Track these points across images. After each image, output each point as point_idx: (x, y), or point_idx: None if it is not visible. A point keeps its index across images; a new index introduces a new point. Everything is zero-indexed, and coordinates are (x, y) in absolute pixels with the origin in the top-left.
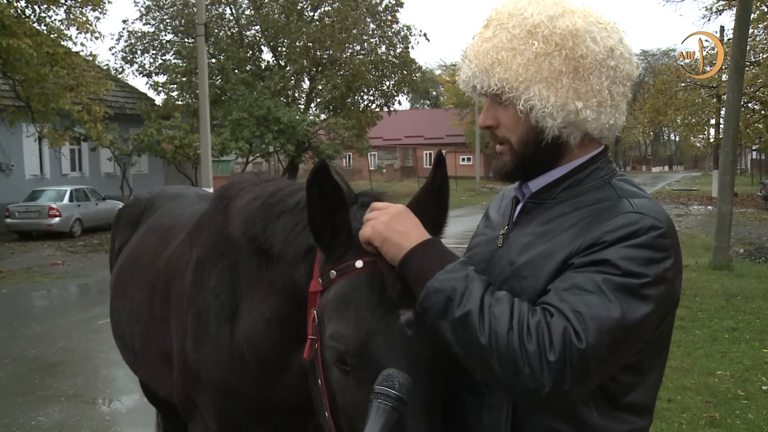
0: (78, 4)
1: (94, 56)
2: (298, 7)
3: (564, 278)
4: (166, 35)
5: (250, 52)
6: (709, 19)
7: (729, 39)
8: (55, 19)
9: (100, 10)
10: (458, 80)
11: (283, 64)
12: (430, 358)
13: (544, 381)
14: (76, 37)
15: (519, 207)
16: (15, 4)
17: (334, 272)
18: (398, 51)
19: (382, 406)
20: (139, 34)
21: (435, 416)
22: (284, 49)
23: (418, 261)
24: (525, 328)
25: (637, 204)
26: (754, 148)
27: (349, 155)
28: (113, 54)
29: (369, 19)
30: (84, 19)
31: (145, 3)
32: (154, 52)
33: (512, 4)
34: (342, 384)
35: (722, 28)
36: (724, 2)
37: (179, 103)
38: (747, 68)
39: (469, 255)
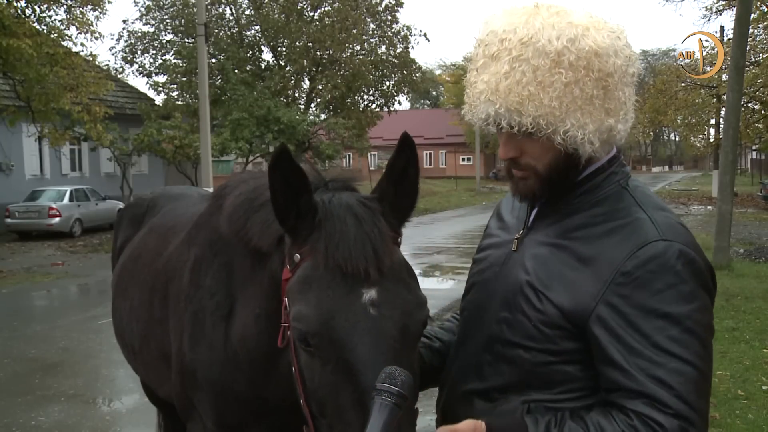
0: (78, 4)
1: (94, 56)
2: (298, 7)
3: (630, 350)
4: (166, 35)
5: (250, 52)
6: (709, 19)
7: (729, 39)
8: (55, 19)
9: (100, 10)
10: (470, 118)
11: (283, 64)
12: (396, 337)
13: None
14: (76, 37)
15: (534, 212)
16: (15, 4)
17: (299, 255)
18: (398, 51)
19: (384, 402)
20: (139, 34)
21: None
22: (284, 49)
23: None
24: None
25: (659, 224)
26: (754, 148)
27: (349, 155)
28: (113, 54)
29: (369, 19)
30: (84, 19)
31: (145, 3)
32: (154, 52)
33: (518, 29)
34: (309, 366)
35: (722, 28)
36: (724, 2)
37: (179, 103)
38: (747, 68)
39: (483, 256)
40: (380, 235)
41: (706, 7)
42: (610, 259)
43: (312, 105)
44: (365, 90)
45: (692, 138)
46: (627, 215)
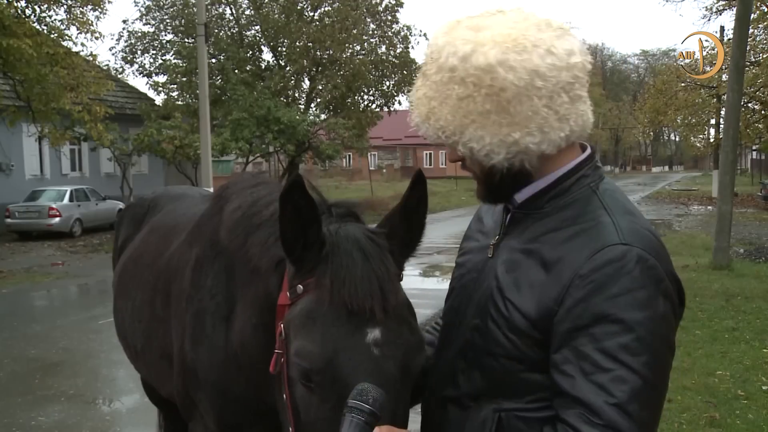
0: (78, 4)
1: (95, 56)
2: (298, 7)
3: (577, 353)
4: (166, 35)
5: (250, 52)
6: (709, 19)
7: (729, 39)
8: (55, 19)
9: (100, 9)
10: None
11: (283, 64)
12: (397, 378)
13: None
14: (77, 37)
15: (508, 217)
16: (15, 4)
17: (302, 287)
18: (398, 51)
19: (355, 420)
20: (139, 34)
21: None
22: (284, 49)
23: None
24: None
25: (622, 228)
26: (754, 148)
27: (349, 155)
28: (113, 54)
29: (369, 19)
30: (84, 18)
31: (145, 3)
32: (154, 52)
33: (433, 45)
34: (306, 401)
35: (722, 28)
36: (724, 2)
37: (179, 103)
38: (747, 68)
39: (463, 261)
40: (387, 273)
41: (706, 7)
42: (570, 262)
43: (312, 105)
44: (365, 90)
45: (692, 138)
46: (591, 219)
